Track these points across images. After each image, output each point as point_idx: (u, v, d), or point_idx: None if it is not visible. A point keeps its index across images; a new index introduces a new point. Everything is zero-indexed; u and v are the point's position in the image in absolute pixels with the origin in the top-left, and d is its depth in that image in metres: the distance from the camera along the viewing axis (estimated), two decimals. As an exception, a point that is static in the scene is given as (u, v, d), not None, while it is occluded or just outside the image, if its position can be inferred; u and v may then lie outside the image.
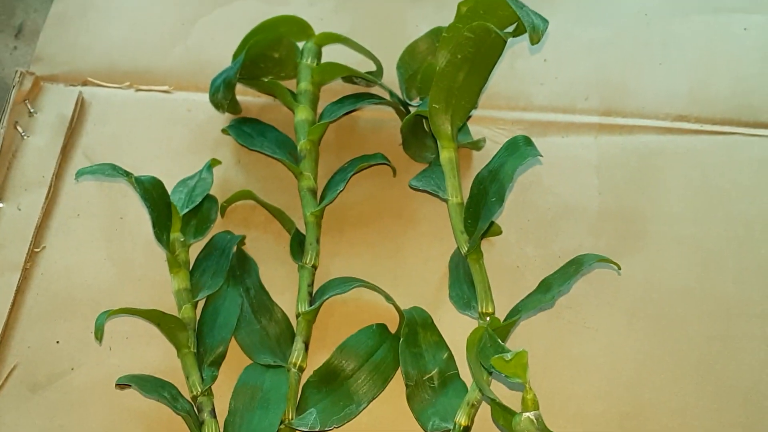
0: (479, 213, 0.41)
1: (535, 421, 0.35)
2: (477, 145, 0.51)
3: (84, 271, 0.48)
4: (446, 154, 0.45)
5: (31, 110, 0.53)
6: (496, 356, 0.33)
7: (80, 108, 0.54)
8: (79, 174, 0.43)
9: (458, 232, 0.44)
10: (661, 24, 0.59)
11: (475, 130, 0.53)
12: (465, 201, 0.45)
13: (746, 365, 0.45)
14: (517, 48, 0.57)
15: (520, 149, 0.42)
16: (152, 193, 0.43)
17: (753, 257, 0.48)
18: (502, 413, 0.36)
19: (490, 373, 0.40)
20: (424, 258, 0.49)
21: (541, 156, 0.42)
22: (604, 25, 0.59)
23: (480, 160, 0.52)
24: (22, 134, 0.52)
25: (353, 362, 0.43)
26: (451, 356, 0.43)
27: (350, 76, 0.53)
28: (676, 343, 0.46)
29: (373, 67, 0.54)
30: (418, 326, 0.43)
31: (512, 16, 0.43)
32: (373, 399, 0.43)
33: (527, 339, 0.46)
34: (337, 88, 0.54)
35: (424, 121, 0.50)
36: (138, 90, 0.55)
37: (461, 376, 0.43)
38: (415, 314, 0.44)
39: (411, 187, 0.48)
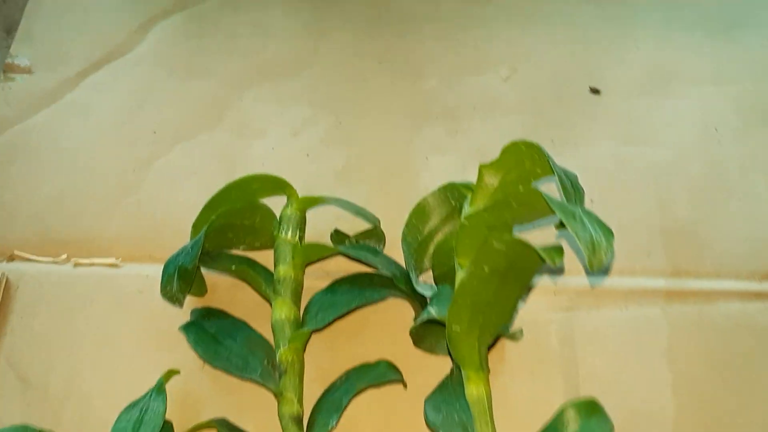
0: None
1: None
2: (514, 337, 0.39)
3: None
4: (474, 391, 0.33)
5: (-60, 304, 0.42)
6: None
7: (4, 295, 0.42)
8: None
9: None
10: (737, 141, 0.47)
11: (507, 302, 0.41)
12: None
13: None
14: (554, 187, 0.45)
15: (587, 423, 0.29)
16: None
17: None
18: None
19: None
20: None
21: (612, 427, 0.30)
22: (664, 144, 0.47)
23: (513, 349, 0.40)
24: (-72, 340, 0.41)
25: None
26: None
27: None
28: None
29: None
30: None
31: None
32: None
33: None
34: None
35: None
36: (77, 265, 0.43)
37: None
38: None
39: (429, 426, 0.36)
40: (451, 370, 0.38)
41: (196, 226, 0.41)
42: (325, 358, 0.40)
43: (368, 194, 0.45)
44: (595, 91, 0.50)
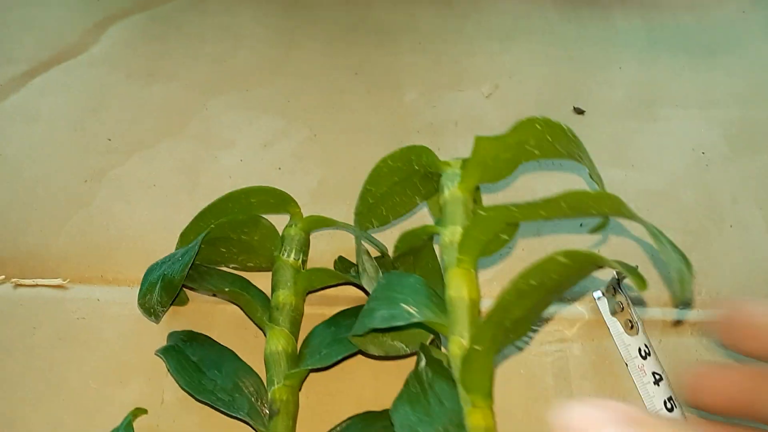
0: None
1: None
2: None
3: None
4: (481, 422, 0.29)
5: None
6: None
7: (-70, 319, 0.37)
8: None
9: None
10: (725, 166, 0.46)
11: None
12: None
13: None
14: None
15: None
16: None
17: None
18: None
19: None
20: None
21: None
22: (652, 169, 0.45)
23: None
24: None
25: None
26: None
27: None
28: None
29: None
30: None
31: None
32: None
33: None
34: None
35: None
36: (18, 286, 0.38)
37: None
38: None
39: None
40: (416, 375, 0.33)
41: (185, 236, 0.37)
42: (324, 400, 0.36)
43: (346, 215, 0.42)
44: (579, 111, 0.48)
